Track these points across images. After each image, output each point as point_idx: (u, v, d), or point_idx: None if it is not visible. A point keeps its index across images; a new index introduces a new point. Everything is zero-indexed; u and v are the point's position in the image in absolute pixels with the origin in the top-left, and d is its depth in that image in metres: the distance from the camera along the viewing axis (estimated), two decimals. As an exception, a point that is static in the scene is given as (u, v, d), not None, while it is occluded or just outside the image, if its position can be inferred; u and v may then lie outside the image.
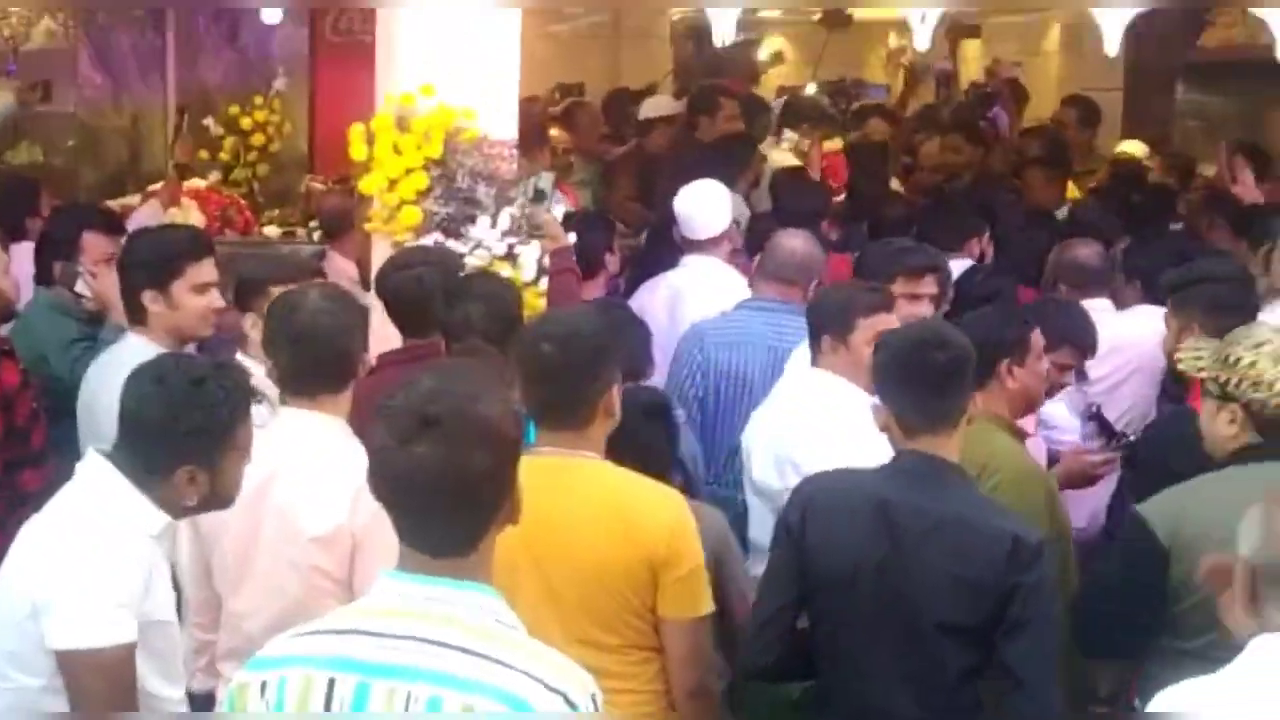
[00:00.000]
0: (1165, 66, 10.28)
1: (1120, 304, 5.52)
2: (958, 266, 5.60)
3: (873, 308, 4.16)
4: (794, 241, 5.24)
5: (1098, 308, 5.15)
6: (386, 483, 2.34)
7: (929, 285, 4.81)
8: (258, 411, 3.19)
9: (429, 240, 4.61)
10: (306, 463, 3.39)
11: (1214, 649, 3.14)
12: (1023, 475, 3.90)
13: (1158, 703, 2.62)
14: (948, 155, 8.85)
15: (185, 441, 3.00)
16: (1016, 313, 4.52)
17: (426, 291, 4.17)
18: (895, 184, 8.40)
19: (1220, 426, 3.54)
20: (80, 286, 4.77)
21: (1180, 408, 4.43)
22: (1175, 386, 4.79)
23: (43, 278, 5.09)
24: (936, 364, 3.35)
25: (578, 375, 3.31)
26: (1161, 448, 4.16)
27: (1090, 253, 5.58)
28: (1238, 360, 3.48)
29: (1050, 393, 4.67)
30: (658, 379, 4.81)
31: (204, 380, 3.02)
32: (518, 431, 2.40)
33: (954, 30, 10.68)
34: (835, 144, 8.62)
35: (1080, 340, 4.68)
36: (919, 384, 3.36)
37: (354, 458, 3.05)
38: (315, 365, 3.45)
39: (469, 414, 2.31)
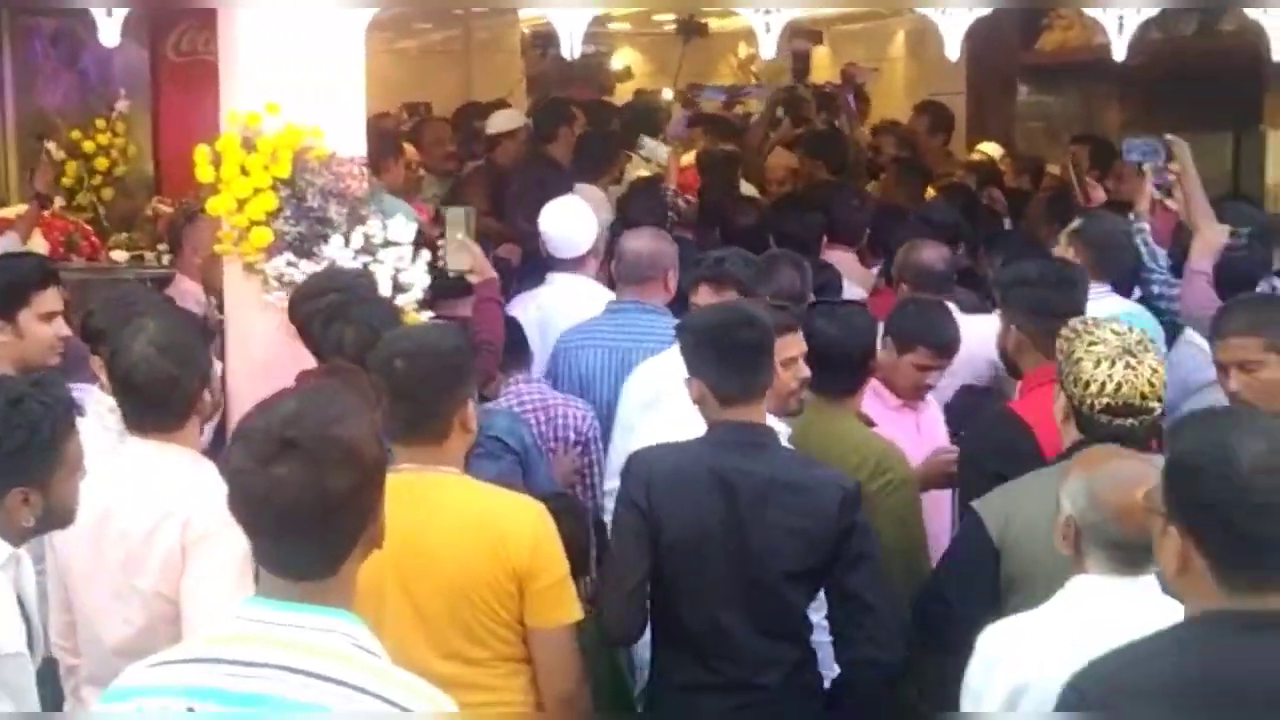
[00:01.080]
0: (1006, 69, 10.53)
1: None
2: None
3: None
4: (636, 242, 5.40)
5: None
6: (245, 505, 2.32)
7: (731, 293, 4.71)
8: (104, 436, 3.13)
9: (280, 260, 4.55)
10: (146, 492, 3.37)
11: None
12: (908, 479, 4.21)
13: (986, 635, 3.01)
14: (803, 164, 9.02)
15: (10, 462, 2.96)
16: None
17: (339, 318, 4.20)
18: (752, 190, 8.51)
19: (1058, 415, 3.69)
20: None
21: (1000, 410, 4.47)
22: (1005, 388, 4.86)
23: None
24: (747, 340, 3.67)
25: (431, 390, 3.34)
26: (984, 451, 4.23)
27: (935, 255, 5.63)
28: (1071, 353, 3.61)
29: (915, 393, 4.77)
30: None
31: (21, 399, 2.98)
32: (380, 453, 2.39)
33: (796, 36, 10.79)
34: (689, 157, 8.71)
35: (933, 340, 4.74)
36: (732, 359, 3.66)
37: (193, 484, 3.03)
38: (142, 409, 3.47)
39: (329, 435, 2.29)
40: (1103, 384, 3.52)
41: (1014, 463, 3.84)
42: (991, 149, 9.55)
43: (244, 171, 4.52)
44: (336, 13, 4.66)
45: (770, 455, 3.69)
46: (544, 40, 10.74)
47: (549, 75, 10.35)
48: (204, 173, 4.56)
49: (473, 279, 5.14)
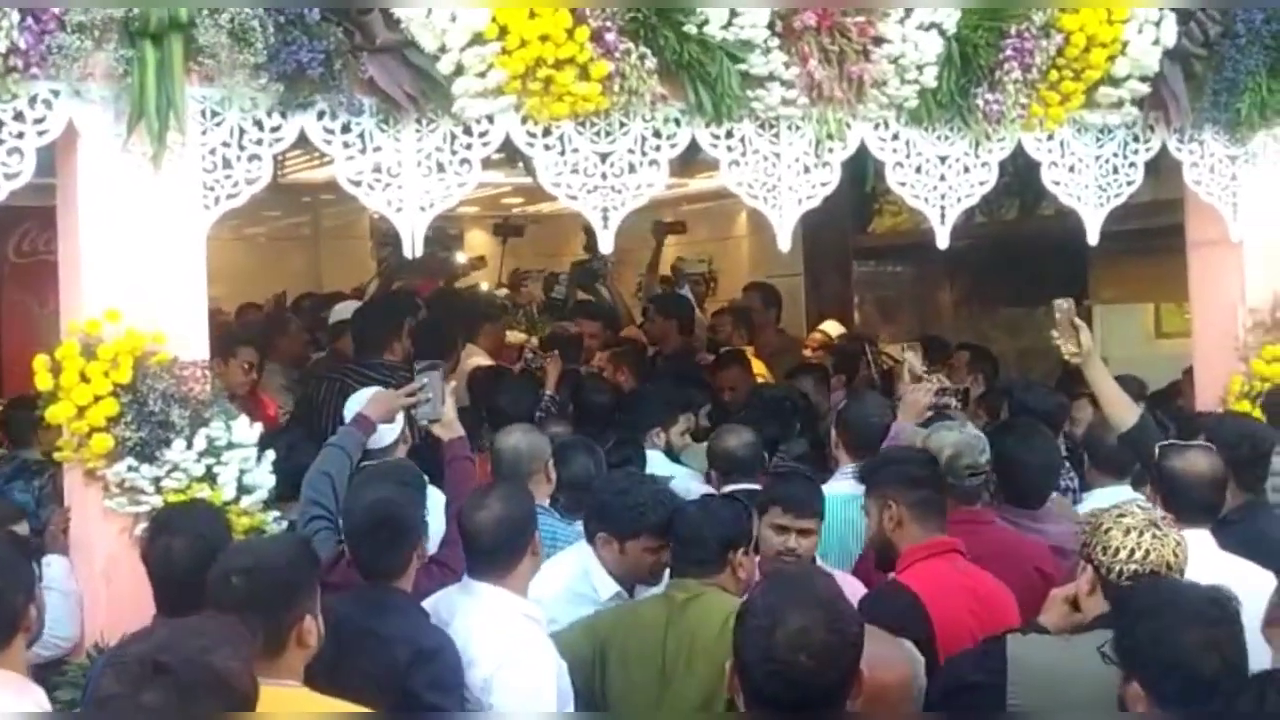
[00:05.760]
0: (841, 251, 10.89)
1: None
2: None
3: None
4: (510, 439, 5.46)
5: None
6: None
7: None
8: None
9: (121, 466, 4.51)
10: None
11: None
12: None
13: None
14: (645, 326, 9.34)
15: None
16: (742, 506, 4.75)
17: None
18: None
19: (1083, 588, 3.82)
20: None
21: (890, 582, 4.57)
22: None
23: None
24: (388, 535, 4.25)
25: (263, 607, 3.34)
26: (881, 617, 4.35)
27: (739, 442, 5.82)
28: (1100, 525, 3.78)
29: (778, 557, 4.80)
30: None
31: None
32: (252, 688, 2.38)
33: (658, 228, 11.15)
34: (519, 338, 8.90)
35: (787, 499, 4.83)
36: (374, 543, 4.23)
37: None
38: None
39: (202, 664, 2.29)
40: (1131, 550, 3.67)
41: (909, 626, 4.01)
42: (831, 328, 9.85)
43: (84, 378, 4.50)
44: (177, 215, 4.69)
45: (383, 612, 4.12)
46: (390, 230, 10.83)
47: (394, 265, 10.44)
48: (43, 381, 4.52)
49: (441, 433, 5.20)
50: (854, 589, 4.88)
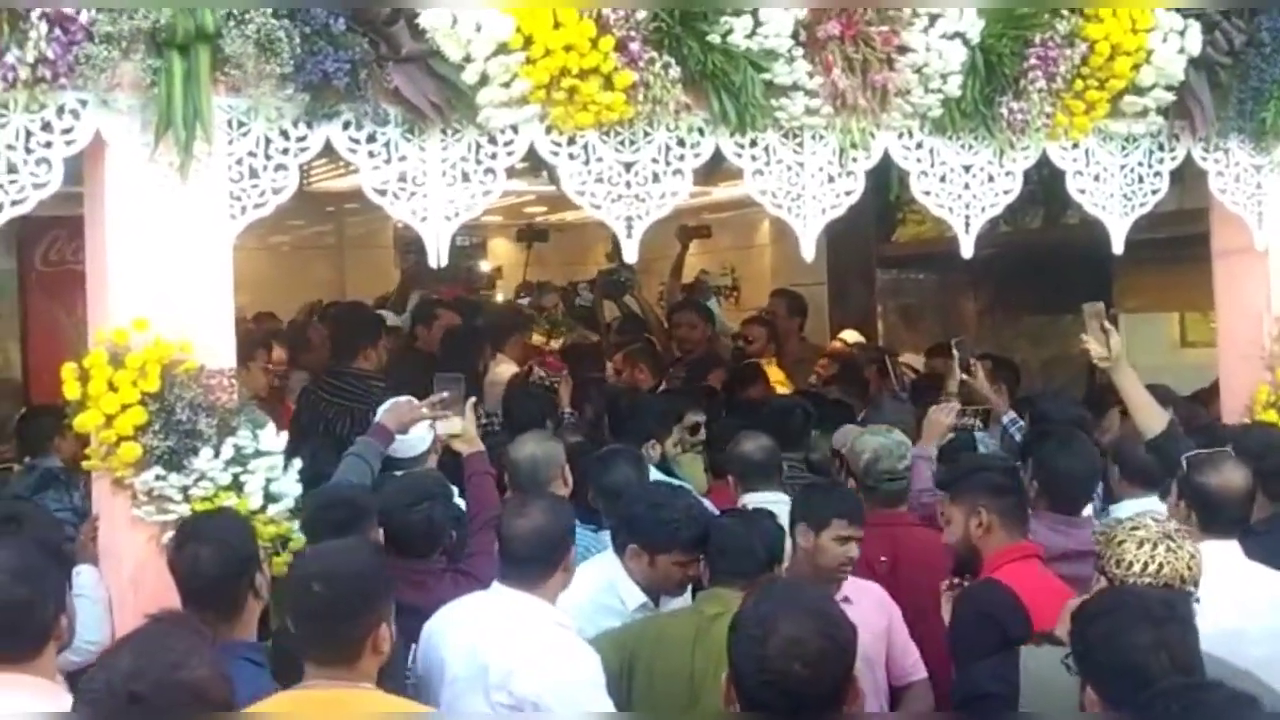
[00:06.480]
0: (865, 259, 10.88)
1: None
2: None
3: None
4: (525, 449, 5.45)
5: (769, 500, 5.40)
6: None
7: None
8: None
9: (149, 475, 4.53)
10: None
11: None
12: None
13: None
14: (683, 331, 9.33)
15: None
16: (776, 519, 4.80)
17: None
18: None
19: None
20: None
21: (986, 580, 4.59)
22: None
23: None
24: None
25: (343, 614, 3.36)
26: (982, 612, 4.46)
27: (755, 447, 5.84)
28: (1114, 538, 3.80)
29: (840, 568, 4.88)
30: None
31: None
32: (227, 689, 2.39)
33: (684, 232, 11.16)
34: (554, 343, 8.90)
35: (852, 511, 4.92)
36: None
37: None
38: None
39: (174, 684, 2.29)
40: (1145, 564, 3.69)
41: (1012, 621, 4.19)
42: (851, 336, 9.86)
43: (112, 387, 4.51)
44: (204, 224, 4.71)
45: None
46: (414, 239, 10.87)
47: (419, 273, 10.47)
48: (71, 390, 4.54)
49: (460, 447, 5.21)
50: (878, 599, 4.92)
